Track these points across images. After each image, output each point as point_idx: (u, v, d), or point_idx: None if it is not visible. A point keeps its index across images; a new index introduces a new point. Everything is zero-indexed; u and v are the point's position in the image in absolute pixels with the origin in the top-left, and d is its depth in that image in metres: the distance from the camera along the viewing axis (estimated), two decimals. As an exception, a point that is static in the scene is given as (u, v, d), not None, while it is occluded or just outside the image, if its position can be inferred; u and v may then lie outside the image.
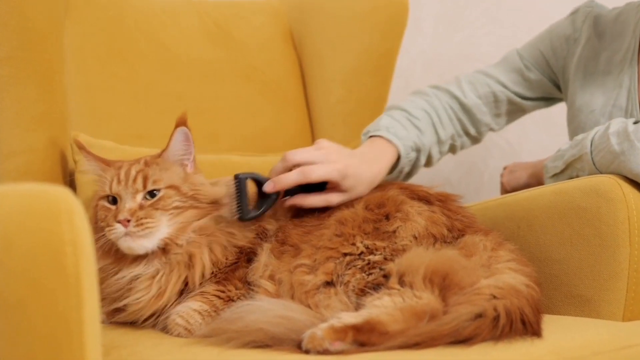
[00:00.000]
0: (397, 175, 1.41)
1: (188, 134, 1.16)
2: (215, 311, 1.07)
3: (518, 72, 1.54)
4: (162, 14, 1.62)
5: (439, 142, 1.48)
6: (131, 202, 1.10)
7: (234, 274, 1.11)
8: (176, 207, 1.11)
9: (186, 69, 1.60)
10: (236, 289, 1.10)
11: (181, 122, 1.15)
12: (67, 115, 1.42)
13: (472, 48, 2.19)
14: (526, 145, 2.17)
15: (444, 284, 0.98)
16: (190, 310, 1.07)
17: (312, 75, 1.74)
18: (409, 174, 1.46)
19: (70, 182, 1.37)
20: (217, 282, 1.11)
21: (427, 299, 0.95)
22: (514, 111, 1.57)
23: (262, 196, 1.16)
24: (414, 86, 2.09)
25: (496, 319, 0.92)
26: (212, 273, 1.11)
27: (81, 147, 1.20)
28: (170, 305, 1.10)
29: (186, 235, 1.11)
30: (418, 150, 1.41)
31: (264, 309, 0.98)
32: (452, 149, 1.54)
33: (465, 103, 1.51)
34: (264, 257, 1.11)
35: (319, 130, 1.72)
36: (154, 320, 1.11)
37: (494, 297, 0.96)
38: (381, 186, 1.21)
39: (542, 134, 2.12)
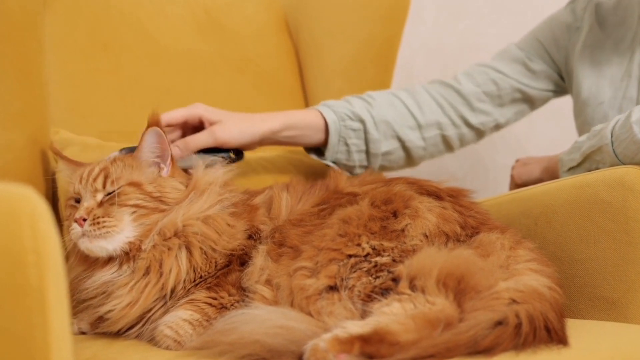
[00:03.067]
0: (345, 147, 1.37)
1: (161, 135, 1.10)
2: (207, 320, 0.99)
3: (521, 63, 1.48)
4: (148, 3, 1.55)
5: (418, 126, 1.41)
6: (90, 200, 1.05)
7: (226, 279, 1.04)
8: (137, 206, 1.05)
9: (174, 61, 1.54)
10: (229, 295, 1.02)
11: (152, 122, 1.09)
12: (48, 111, 1.35)
13: (476, 38, 2.13)
14: (534, 140, 2.11)
15: (459, 288, 0.90)
16: (179, 320, 0.99)
17: (309, 66, 1.68)
18: (367, 153, 1.39)
19: (52, 182, 1.29)
20: (208, 289, 1.03)
21: (441, 304, 0.88)
22: (520, 100, 1.49)
23: None
24: (416, 77, 2.08)
25: (518, 326, 0.84)
26: (201, 277, 1.04)
27: (56, 152, 1.18)
28: (154, 313, 1.03)
29: (150, 238, 1.04)
30: (362, 121, 1.36)
31: (260, 318, 0.90)
32: (447, 142, 1.46)
33: (460, 89, 1.45)
34: (260, 260, 1.04)
35: (318, 123, 1.64)
36: (140, 329, 1.04)
37: (514, 301, 0.89)
38: (387, 181, 1.13)
39: (551, 128, 2.06)
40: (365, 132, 1.37)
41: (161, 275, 1.02)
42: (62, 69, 1.41)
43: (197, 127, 1.26)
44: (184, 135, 1.26)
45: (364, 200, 1.05)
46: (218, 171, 1.13)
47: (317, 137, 1.35)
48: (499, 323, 0.84)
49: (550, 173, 1.54)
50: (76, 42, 1.44)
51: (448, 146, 1.47)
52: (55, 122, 1.36)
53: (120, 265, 1.03)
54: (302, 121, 1.33)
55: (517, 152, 2.08)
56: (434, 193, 1.09)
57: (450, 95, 1.45)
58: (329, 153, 1.36)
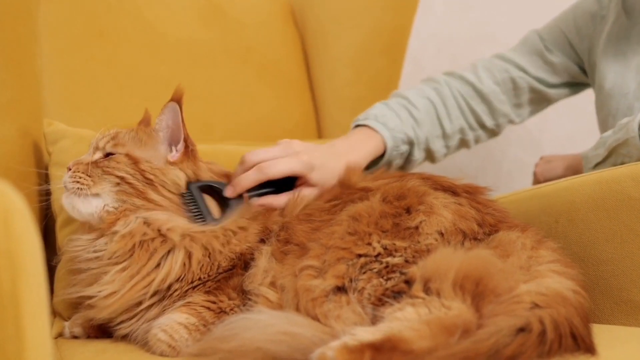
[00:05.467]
0: (386, 166, 1.32)
1: (176, 111, 1.04)
2: (204, 325, 0.94)
3: (539, 55, 1.44)
4: (148, -11, 1.52)
5: (444, 135, 1.39)
6: (87, 156, 1.05)
7: (227, 282, 0.98)
8: (122, 179, 1.00)
9: (174, 50, 1.50)
10: (229, 299, 0.96)
11: (174, 97, 1.04)
12: (41, 102, 1.31)
13: (486, 28, 2.08)
14: (546, 133, 2.06)
15: (477, 291, 0.83)
16: (174, 323, 0.93)
17: (316, 56, 1.64)
18: (402, 168, 1.38)
19: (46, 177, 1.23)
20: (207, 292, 0.97)
21: (458, 309, 0.81)
22: (537, 101, 1.46)
23: (225, 202, 1.08)
24: (425, 70, 2.03)
25: (542, 333, 0.78)
26: (200, 280, 0.98)
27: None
28: (148, 311, 0.97)
29: (127, 221, 0.99)
30: (411, 144, 1.34)
31: (263, 323, 0.84)
32: (464, 144, 1.44)
33: (481, 90, 1.41)
34: (263, 261, 0.98)
35: (325, 115, 1.62)
36: (132, 325, 0.98)
37: (537, 305, 0.82)
38: (400, 176, 1.07)
39: (564, 121, 2.00)
40: (410, 154, 1.35)
41: (147, 274, 0.96)
42: (56, 58, 1.37)
43: None
44: None
45: (376, 196, 0.99)
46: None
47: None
48: (522, 330, 0.77)
49: (574, 171, 1.51)
50: (71, 30, 1.40)
51: (464, 147, 1.46)
52: (49, 114, 1.32)
53: (98, 236, 1.00)
54: (371, 156, 1.27)
55: (530, 146, 2.03)
56: (450, 189, 1.02)
57: (469, 95, 1.41)
58: (369, 169, 1.29)
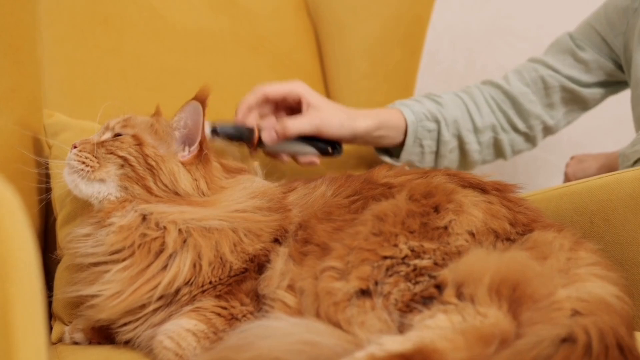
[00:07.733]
0: (419, 149, 1.33)
1: (198, 112, 1.00)
2: (214, 332, 0.88)
3: (569, 53, 1.40)
4: (155, -25, 1.47)
5: (475, 129, 1.36)
6: (96, 136, 1.03)
7: (239, 286, 0.92)
8: (125, 160, 0.97)
9: (182, 39, 1.46)
10: (242, 305, 0.91)
11: (198, 96, 1.01)
12: (41, 92, 1.26)
13: (503, 21, 2.02)
14: (566, 133, 1.97)
15: (514, 297, 0.77)
16: (182, 329, 0.87)
17: (330, 47, 1.59)
18: (438, 154, 1.35)
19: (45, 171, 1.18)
20: (218, 297, 0.91)
21: (495, 317, 0.75)
22: (570, 101, 1.41)
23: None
24: (441, 63, 1.98)
25: (588, 344, 0.71)
26: (211, 283, 0.92)
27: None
28: (153, 315, 0.92)
29: (124, 213, 0.94)
30: (437, 121, 1.33)
31: (281, 332, 0.78)
32: (498, 146, 1.40)
33: (509, 91, 1.38)
34: (280, 263, 0.91)
35: (340, 108, 1.54)
36: (135, 329, 0.92)
37: (577, 312, 0.77)
38: (424, 172, 1.01)
39: (587, 120, 1.92)
40: (439, 133, 1.33)
41: (153, 276, 0.90)
42: (57, 45, 1.32)
43: (292, 107, 1.20)
44: (275, 111, 1.21)
45: (401, 193, 0.92)
46: (245, 203, 1.00)
47: (398, 138, 1.30)
48: (565, 340, 0.71)
49: (609, 170, 1.44)
50: (74, 16, 1.36)
51: (499, 151, 1.42)
52: (49, 104, 1.27)
53: (98, 224, 0.96)
54: (390, 121, 1.28)
55: (548, 146, 1.97)
56: (478, 186, 0.96)
57: (499, 98, 1.39)
58: (404, 154, 1.31)
